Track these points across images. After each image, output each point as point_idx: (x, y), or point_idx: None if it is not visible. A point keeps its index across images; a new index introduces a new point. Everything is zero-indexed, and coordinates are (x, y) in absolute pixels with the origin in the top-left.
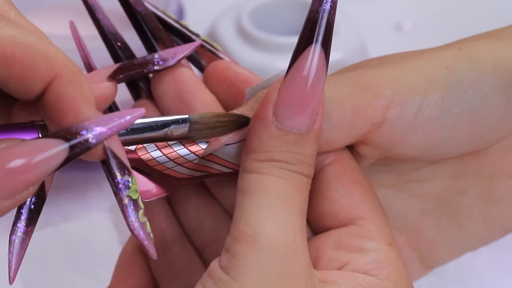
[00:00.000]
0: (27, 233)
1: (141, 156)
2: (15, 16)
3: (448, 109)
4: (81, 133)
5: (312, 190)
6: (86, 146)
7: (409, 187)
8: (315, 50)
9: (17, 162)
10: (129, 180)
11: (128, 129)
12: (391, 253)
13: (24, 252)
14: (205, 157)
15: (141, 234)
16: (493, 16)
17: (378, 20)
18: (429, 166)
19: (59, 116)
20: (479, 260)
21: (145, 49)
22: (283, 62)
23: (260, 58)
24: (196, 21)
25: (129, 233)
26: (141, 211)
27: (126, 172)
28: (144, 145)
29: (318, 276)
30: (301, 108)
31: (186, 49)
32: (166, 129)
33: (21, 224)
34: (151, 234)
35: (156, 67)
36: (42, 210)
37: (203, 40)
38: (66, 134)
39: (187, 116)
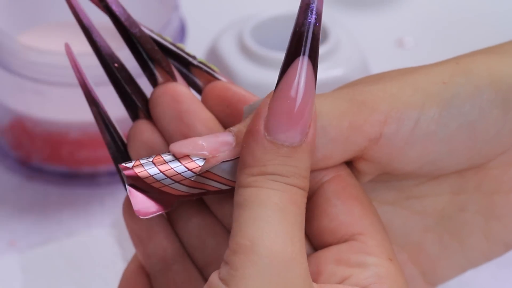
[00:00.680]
0: None
1: (138, 174)
2: None
3: (445, 124)
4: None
5: (311, 207)
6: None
7: (410, 204)
8: (303, 62)
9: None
10: None
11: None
12: (391, 268)
13: None
14: (202, 174)
15: None
16: (495, 33)
17: (379, 36)
18: (430, 182)
19: None
20: (481, 277)
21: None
22: None
23: (262, 74)
24: (197, 37)
25: (132, 250)
26: None
27: None
28: (141, 162)
29: None
30: (293, 121)
31: None
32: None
33: None
34: None
35: None
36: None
37: (200, 62)
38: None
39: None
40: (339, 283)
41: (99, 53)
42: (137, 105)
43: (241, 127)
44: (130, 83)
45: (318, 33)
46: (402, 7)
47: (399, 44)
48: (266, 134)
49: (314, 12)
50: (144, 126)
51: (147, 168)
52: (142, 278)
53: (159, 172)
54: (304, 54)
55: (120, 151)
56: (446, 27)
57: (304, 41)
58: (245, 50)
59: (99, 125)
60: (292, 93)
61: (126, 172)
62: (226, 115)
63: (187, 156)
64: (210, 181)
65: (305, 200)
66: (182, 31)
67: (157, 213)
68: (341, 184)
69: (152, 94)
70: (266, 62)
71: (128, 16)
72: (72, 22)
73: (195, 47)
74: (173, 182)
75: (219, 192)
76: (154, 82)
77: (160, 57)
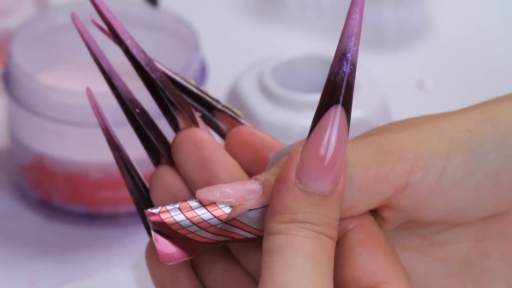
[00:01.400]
0: None
1: (164, 220)
2: None
3: (471, 173)
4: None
5: (335, 255)
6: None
7: (433, 250)
8: (336, 112)
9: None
10: None
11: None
12: None
13: None
14: (228, 222)
15: None
16: None
17: (399, 78)
18: (453, 229)
19: None
20: None
21: (162, 114)
22: (306, 120)
23: (283, 116)
24: (218, 79)
25: None
26: None
27: None
28: (167, 208)
29: None
30: (324, 170)
31: None
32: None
33: None
34: None
35: None
36: (63, 266)
37: (224, 106)
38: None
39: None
40: None
41: (120, 98)
42: (159, 150)
43: (268, 176)
44: (151, 129)
45: (353, 83)
46: (423, 49)
47: (419, 86)
48: (297, 182)
49: (350, 62)
50: (166, 172)
51: (173, 215)
52: None
53: (186, 218)
54: (338, 103)
55: (143, 196)
56: (466, 69)
57: (338, 91)
58: (265, 91)
59: (121, 170)
60: (325, 142)
61: (152, 218)
62: (250, 161)
63: (213, 203)
64: (236, 229)
65: (334, 250)
66: (203, 72)
67: (182, 260)
68: (365, 233)
69: (174, 140)
70: (287, 103)
71: (149, 61)
72: (93, 62)
73: (215, 87)
74: (199, 229)
75: (245, 240)
76: (175, 127)
77: (182, 102)
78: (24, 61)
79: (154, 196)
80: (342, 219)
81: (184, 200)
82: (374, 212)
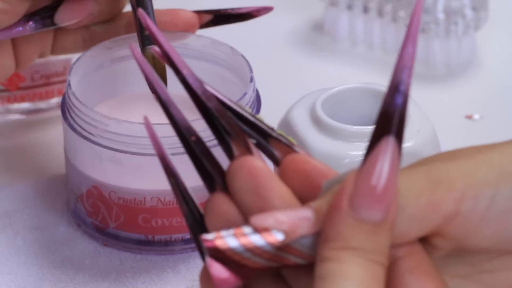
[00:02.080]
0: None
1: (219, 246)
2: None
3: None
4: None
5: (385, 283)
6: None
7: (482, 278)
8: (389, 142)
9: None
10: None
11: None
12: None
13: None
14: (281, 248)
15: None
16: None
17: (449, 110)
18: (502, 257)
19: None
20: None
21: (217, 142)
22: (356, 151)
23: (334, 146)
24: (271, 110)
25: None
26: None
27: None
28: (222, 234)
29: None
30: (377, 199)
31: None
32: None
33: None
34: None
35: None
36: None
37: (279, 134)
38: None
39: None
40: None
41: (177, 127)
42: (213, 178)
43: (320, 203)
44: (207, 157)
45: (405, 114)
46: (471, 82)
47: (468, 118)
48: (350, 210)
49: (403, 94)
50: (221, 199)
51: (228, 241)
52: None
53: (240, 245)
54: (390, 134)
55: (198, 222)
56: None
57: (391, 121)
58: (317, 122)
59: (177, 197)
60: (378, 172)
61: (207, 244)
62: (304, 188)
63: (267, 230)
64: (289, 255)
65: (385, 278)
66: (257, 104)
67: (235, 285)
68: (415, 260)
69: (229, 167)
70: (338, 134)
71: (205, 90)
72: (149, 93)
73: (268, 119)
74: (253, 255)
75: (297, 266)
76: (230, 155)
77: (237, 130)
78: (81, 90)
79: (209, 222)
80: (392, 246)
81: (238, 227)
82: (424, 240)
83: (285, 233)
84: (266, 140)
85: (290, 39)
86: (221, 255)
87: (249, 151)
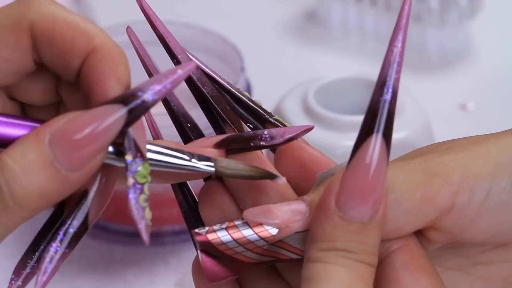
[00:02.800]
0: (62, 255)
1: (211, 240)
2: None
3: None
4: (137, 94)
5: (378, 276)
6: (144, 107)
7: (476, 270)
8: (376, 140)
9: (83, 133)
10: (140, 164)
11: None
12: None
13: (54, 274)
14: (274, 243)
15: (137, 215)
16: None
17: (442, 100)
18: (496, 249)
19: (88, 89)
20: None
21: (212, 129)
22: (349, 141)
23: (326, 136)
24: (262, 100)
25: None
26: (143, 196)
27: (138, 156)
28: (214, 228)
29: None
30: (364, 198)
31: (296, 130)
32: (191, 161)
33: (55, 244)
34: (149, 221)
35: (262, 143)
36: (107, 283)
37: (276, 120)
38: (123, 98)
39: (213, 164)
40: None
41: (173, 113)
42: None
43: (314, 197)
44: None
45: (393, 111)
46: (466, 71)
47: (462, 108)
48: (336, 209)
49: (390, 90)
50: (215, 186)
51: (220, 235)
52: None
53: (232, 240)
54: (378, 132)
55: (192, 210)
56: (509, 91)
57: (378, 119)
58: (309, 112)
59: (172, 185)
60: (364, 171)
61: (199, 238)
62: (298, 176)
63: (260, 225)
64: (282, 250)
65: (373, 276)
66: (248, 93)
67: (227, 279)
68: (409, 254)
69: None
70: (330, 124)
71: (200, 75)
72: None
73: None
74: (245, 250)
75: (290, 260)
76: None
77: (232, 117)
78: None
79: (203, 210)
80: (386, 240)
81: (231, 221)
82: (419, 233)
83: (279, 228)
84: (263, 125)
85: (282, 28)
86: (213, 250)
87: None
